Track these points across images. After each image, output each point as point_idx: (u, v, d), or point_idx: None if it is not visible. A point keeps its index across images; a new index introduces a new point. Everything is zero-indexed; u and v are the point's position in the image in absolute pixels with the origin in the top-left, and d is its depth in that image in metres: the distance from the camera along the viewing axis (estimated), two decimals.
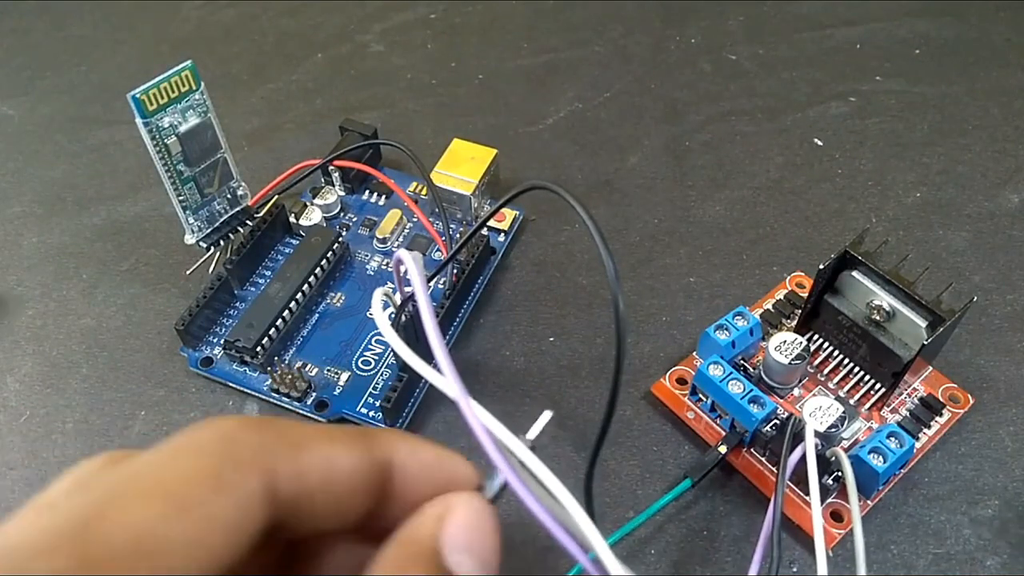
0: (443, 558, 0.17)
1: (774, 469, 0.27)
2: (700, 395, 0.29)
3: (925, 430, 0.28)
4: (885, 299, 0.27)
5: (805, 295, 0.31)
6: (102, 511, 0.15)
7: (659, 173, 0.38)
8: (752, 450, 0.28)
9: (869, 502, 0.26)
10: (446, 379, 0.17)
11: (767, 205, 0.37)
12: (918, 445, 0.28)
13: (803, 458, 0.24)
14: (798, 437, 0.25)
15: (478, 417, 0.17)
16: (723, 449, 0.27)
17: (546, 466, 0.17)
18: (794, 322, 0.31)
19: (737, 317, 0.29)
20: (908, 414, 0.28)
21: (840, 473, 0.25)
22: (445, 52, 0.46)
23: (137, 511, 0.14)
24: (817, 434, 0.25)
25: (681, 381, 0.30)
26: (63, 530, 0.15)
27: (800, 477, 0.25)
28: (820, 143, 0.39)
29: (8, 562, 0.14)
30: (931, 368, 0.30)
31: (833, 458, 0.25)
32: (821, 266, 0.28)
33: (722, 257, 0.35)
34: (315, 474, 0.17)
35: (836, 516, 0.26)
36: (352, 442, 0.17)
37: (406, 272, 0.20)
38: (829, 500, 0.26)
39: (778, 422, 0.27)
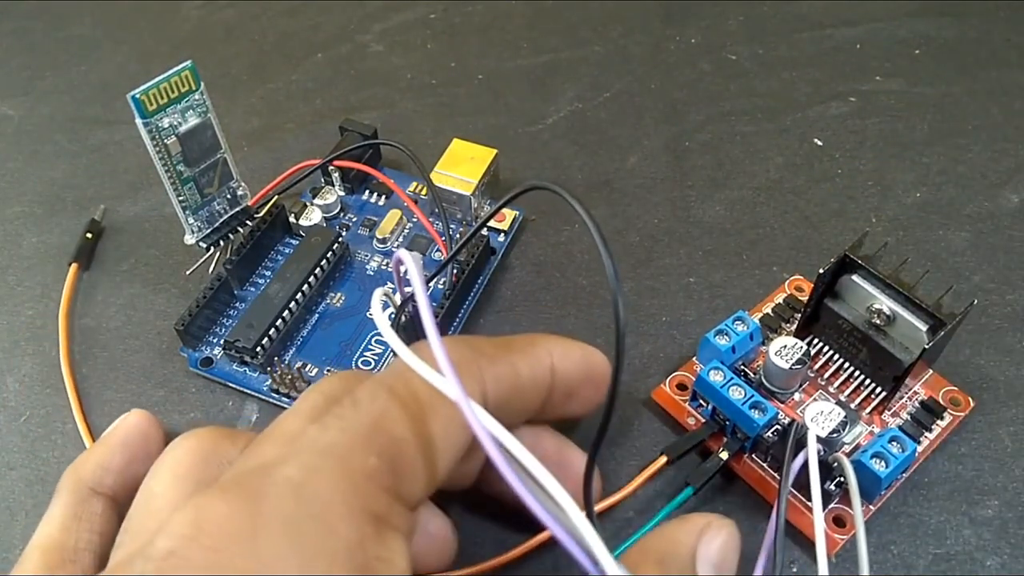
0: (695, 567, 0.20)
1: (775, 475, 0.27)
2: (701, 401, 0.29)
3: (926, 433, 0.28)
4: (885, 303, 0.27)
5: (804, 299, 0.31)
6: (385, 411, 0.18)
7: (659, 173, 0.38)
8: (753, 456, 0.28)
9: (871, 507, 0.26)
10: (446, 380, 0.17)
11: (767, 205, 0.37)
12: (919, 449, 0.28)
13: (805, 464, 0.24)
14: (800, 443, 0.25)
15: (479, 418, 0.17)
16: (724, 455, 0.27)
17: (546, 469, 0.17)
18: (794, 326, 0.31)
19: (737, 322, 0.29)
20: (909, 418, 0.28)
21: (842, 479, 0.25)
22: (445, 52, 0.46)
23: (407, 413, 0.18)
24: (819, 439, 0.25)
25: (682, 387, 0.30)
26: (363, 430, 0.17)
27: (802, 483, 0.24)
28: (820, 143, 0.39)
29: (330, 457, 0.17)
30: (932, 371, 0.29)
31: (835, 464, 0.25)
32: (821, 270, 0.27)
33: (722, 257, 0.35)
34: (506, 379, 0.20)
35: (838, 521, 0.26)
36: (525, 349, 0.22)
37: (406, 272, 0.20)
38: (831, 505, 0.26)
39: (780, 428, 0.27)
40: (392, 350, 0.26)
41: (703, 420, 0.28)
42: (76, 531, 0.20)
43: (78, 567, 0.19)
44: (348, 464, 0.17)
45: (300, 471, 0.16)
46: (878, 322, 0.28)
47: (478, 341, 0.21)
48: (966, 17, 0.46)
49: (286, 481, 0.16)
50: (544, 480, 0.17)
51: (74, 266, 0.35)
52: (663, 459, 0.27)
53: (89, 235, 0.36)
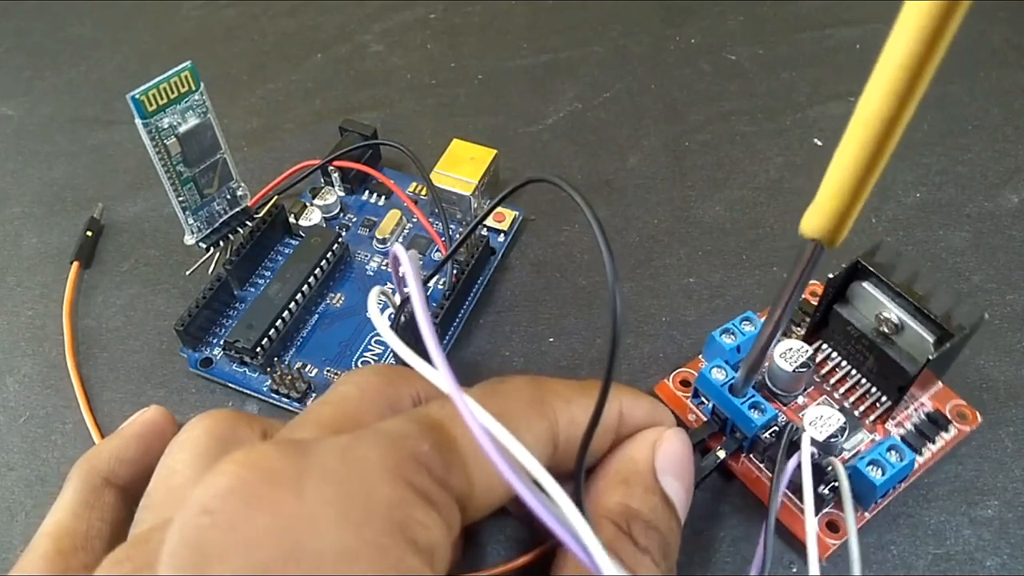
0: (656, 478, 0.21)
1: (770, 474, 0.27)
2: (702, 398, 0.29)
3: (929, 445, 0.28)
4: (894, 311, 0.27)
5: (813, 302, 0.31)
6: (452, 416, 0.18)
7: (659, 173, 0.38)
8: (751, 456, 0.28)
9: (867, 514, 0.26)
10: (438, 373, 0.17)
11: (767, 205, 0.37)
12: (921, 460, 0.27)
13: (799, 466, 0.24)
14: (795, 445, 0.25)
15: (473, 413, 0.17)
16: (721, 454, 0.27)
17: (539, 462, 0.17)
18: (803, 330, 0.31)
19: (744, 322, 0.29)
20: (913, 428, 0.28)
21: (837, 483, 0.25)
22: (445, 52, 0.46)
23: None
24: (816, 443, 0.25)
25: (685, 383, 0.30)
26: (423, 422, 0.18)
27: (798, 486, 0.24)
28: (820, 143, 0.39)
29: (382, 434, 0.17)
30: (940, 384, 0.29)
31: (830, 468, 0.25)
32: (831, 275, 0.27)
33: (722, 257, 0.35)
34: (581, 422, 0.20)
35: (832, 526, 0.26)
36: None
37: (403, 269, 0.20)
38: (827, 510, 0.26)
39: (777, 429, 0.27)
40: (392, 350, 0.26)
41: (704, 418, 0.28)
42: (88, 519, 0.20)
43: (90, 555, 0.19)
44: (399, 443, 0.17)
45: (350, 439, 0.17)
46: (886, 330, 0.27)
47: (551, 382, 0.21)
48: (966, 17, 0.45)
49: (335, 443, 0.17)
50: (539, 476, 0.17)
51: (75, 264, 0.35)
52: None
53: (89, 233, 0.36)
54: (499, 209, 0.35)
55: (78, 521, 0.20)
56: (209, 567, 0.14)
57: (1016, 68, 0.43)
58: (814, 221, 0.17)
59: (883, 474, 0.25)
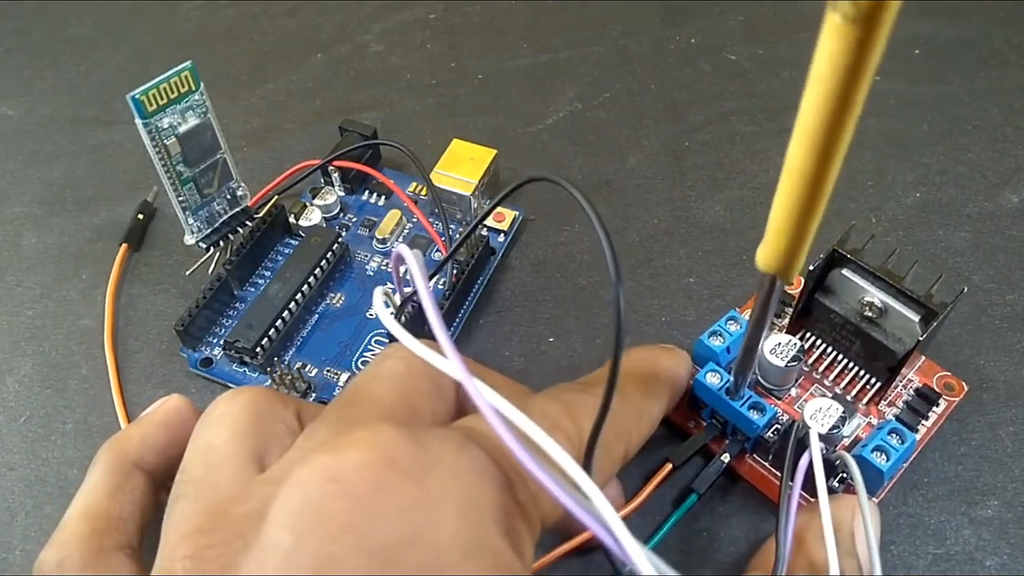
0: (852, 543, 0.22)
1: (778, 473, 0.27)
2: (699, 403, 0.28)
3: (923, 422, 0.28)
4: (876, 295, 0.27)
5: (794, 294, 0.31)
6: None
7: (659, 173, 0.38)
8: (755, 455, 0.28)
9: (874, 500, 0.26)
10: (449, 362, 0.17)
11: (767, 205, 0.36)
12: (917, 438, 0.28)
13: (809, 464, 0.24)
14: (802, 443, 0.25)
15: (488, 400, 0.16)
16: (726, 458, 0.27)
17: (556, 441, 0.16)
18: (785, 321, 0.31)
19: (730, 322, 0.29)
20: (905, 406, 0.28)
21: (845, 475, 0.25)
22: (445, 52, 0.46)
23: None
24: (821, 437, 0.25)
25: None
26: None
27: (806, 482, 0.24)
28: None
29: (485, 438, 0.18)
30: (924, 358, 0.30)
31: (838, 461, 0.25)
32: (811, 266, 0.28)
33: (722, 257, 0.35)
34: (646, 432, 0.24)
35: None
36: (661, 393, 0.25)
37: (406, 272, 0.20)
38: None
39: (779, 427, 0.27)
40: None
41: (703, 421, 0.28)
42: (120, 501, 0.20)
43: (123, 536, 0.19)
44: (504, 452, 0.17)
45: (461, 437, 0.17)
46: (870, 314, 0.28)
47: (633, 398, 0.23)
48: (965, 17, 0.46)
49: (450, 437, 0.17)
50: (562, 462, 0.16)
51: (124, 247, 0.35)
52: (669, 466, 0.27)
53: (141, 216, 0.37)
54: (499, 209, 0.35)
55: (112, 503, 0.20)
56: (330, 533, 0.14)
57: (1016, 68, 0.43)
58: (765, 258, 0.18)
59: (888, 459, 0.25)
